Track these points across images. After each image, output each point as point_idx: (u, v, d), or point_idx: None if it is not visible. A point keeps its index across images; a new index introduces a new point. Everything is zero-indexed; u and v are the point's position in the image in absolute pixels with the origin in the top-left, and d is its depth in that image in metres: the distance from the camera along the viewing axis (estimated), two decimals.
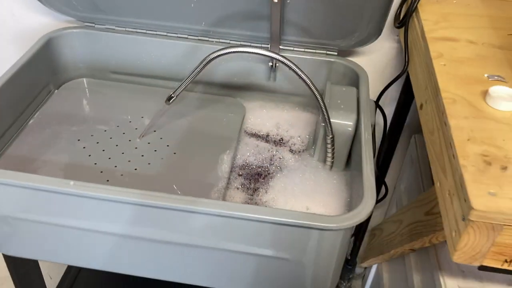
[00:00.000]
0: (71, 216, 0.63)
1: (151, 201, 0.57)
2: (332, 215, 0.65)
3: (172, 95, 0.73)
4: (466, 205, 0.43)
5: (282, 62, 0.66)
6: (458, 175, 0.46)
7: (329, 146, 0.73)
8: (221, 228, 0.60)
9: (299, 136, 0.86)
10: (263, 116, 0.89)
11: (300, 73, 0.66)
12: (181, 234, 0.62)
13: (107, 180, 0.72)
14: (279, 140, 0.85)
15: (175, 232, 0.62)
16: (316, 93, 0.68)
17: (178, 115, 0.85)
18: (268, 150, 0.83)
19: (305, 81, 0.67)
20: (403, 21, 0.78)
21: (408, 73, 0.77)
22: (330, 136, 0.72)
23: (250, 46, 0.69)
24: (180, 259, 0.66)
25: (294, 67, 0.66)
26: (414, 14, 0.75)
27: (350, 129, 0.73)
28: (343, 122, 0.73)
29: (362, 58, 0.89)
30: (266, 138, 0.86)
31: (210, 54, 0.68)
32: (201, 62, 0.69)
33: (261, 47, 0.69)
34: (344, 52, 0.87)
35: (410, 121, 0.92)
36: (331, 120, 0.71)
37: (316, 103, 0.88)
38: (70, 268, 1.08)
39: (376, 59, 0.90)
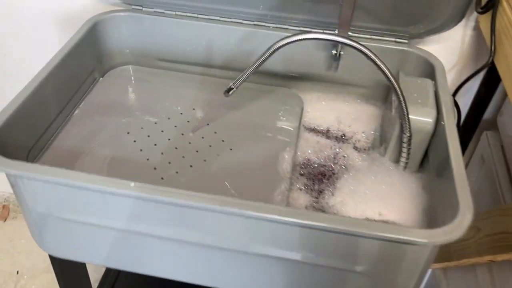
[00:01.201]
0: (127, 219, 0.57)
1: (226, 208, 0.51)
2: (421, 228, 0.58)
3: (232, 86, 0.67)
4: None
5: (362, 52, 0.58)
6: None
7: (405, 145, 0.66)
8: (294, 238, 0.54)
9: (363, 132, 0.79)
10: (322, 109, 0.82)
11: (381, 65, 0.58)
12: (249, 242, 0.56)
13: (162, 178, 0.66)
14: (341, 136, 0.78)
15: (243, 241, 0.56)
16: (397, 87, 0.60)
17: (230, 107, 0.78)
18: (331, 147, 0.76)
19: (386, 74, 0.59)
20: (488, 6, 0.69)
21: (492, 64, 0.69)
22: (408, 135, 0.65)
23: (324, 32, 0.61)
24: (243, 268, 0.60)
25: (374, 57, 0.58)
26: None
27: (429, 126, 0.65)
28: (422, 118, 0.65)
29: (431, 47, 0.81)
30: (326, 133, 0.79)
31: (279, 41, 0.61)
32: (267, 50, 0.62)
33: (335, 34, 0.61)
34: (412, 40, 0.79)
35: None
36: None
37: (381, 94, 0.82)
38: (109, 271, 1.03)
39: (447, 48, 0.82)
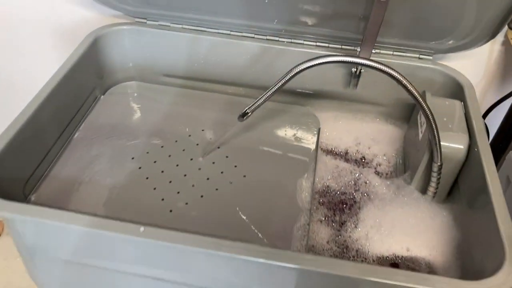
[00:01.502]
0: (133, 263, 0.52)
1: (242, 256, 0.46)
2: (460, 277, 0.52)
3: (248, 111, 0.61)
4: None
5: (393, 77, 0.53)
6: None
7: (434, 174, 0.61)
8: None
9: (385, 155, 0.73)
10: (340, 129, 0.77)
11: (413, 90, 0.53)
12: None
13: (170, 211, 0.61)
14: (361, 159, 0.73)
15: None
16: (429, 113, 0.55)
17: (242, 127, 0.73)
18: (350, 172, 0.71)
19: (418, 100, 0.54)
20: None
21: None
22: (439, 164, 0.59)
23: (347, 55, 0.56)
24: None
25: (406, 82, 0.53)
26: None
27: (462, 154, 0.60)
28: (454, 145, 0.60)
29: (453, 63, 0.76)
30: (345, 156, 0.73)
31: (299, 64, 0.56)
32: (287, 74, 0.57)
33: (360, 57, 0.56)
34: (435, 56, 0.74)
35: None
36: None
37: (402, 113, 0.77)
38: None
39: (472, 64, 0.76)
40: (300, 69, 0.55)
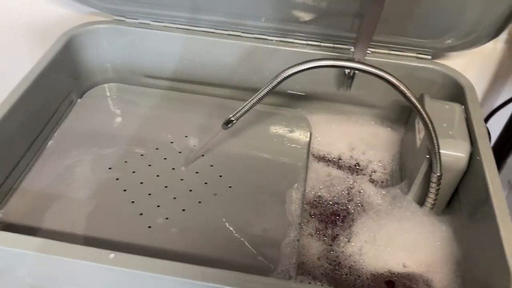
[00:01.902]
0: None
1: (219, 285, 0.41)
2: None
3: (232, 118, 0.57)
4: None
5: (390, 82, 0.49)
6: None
7: (433, 185, 0.56)
8: None
9: (380, 161, 0.69)
10: (332, 134, 0.73)
11: (411, 98, 0.49)
12: None
13: (149, 227, 0.56)
14: (355, 166, 0.69)
15: None
16: (428, 122, 0.50)
17: (228, 133, 0.68)
18: (344, 180, 0.66)
19: (415, 105, 0.49)
20: None
21: None
22: (438, 174, 0.55)
23: (338, 58, 0.51)
24: None
25: (403, 88, 0.49)
26: None
27: (463, 162, 0.56)
28: (454, 153, 0.56)
29: (452, 62, 0.71)
30: (338, 163, 0.69)
31: (285, 70, 0.51)
32: (274, 79, 0.52)
33: (352, 60, 0.51)
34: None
35: None
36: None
37: (399, 115, 0.73)
38: None
39: (473, 63, 0.72)
40: (287, 74, 0.50)
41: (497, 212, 0.49)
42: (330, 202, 0.63)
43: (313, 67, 0.50)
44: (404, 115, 0.72)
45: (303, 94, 0.74)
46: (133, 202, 0.59)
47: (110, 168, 0.63)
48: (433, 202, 0.58)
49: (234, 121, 0.57)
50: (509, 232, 0.47)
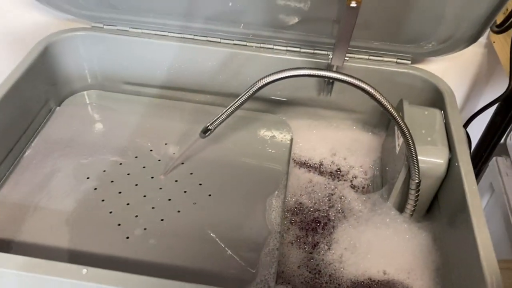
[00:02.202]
0: None
1: None
2: None
3: (210, 127, 0.56)
4: None
5: (363, 90, 0.48)
6: None
7: (412, 192, 0.56)
8: None
9: (361, 167, 0.69)
10: (314, 139, 0.72)
11: (388, 105, 0.48)
12: None
13: (127, 238, 0.55)
14: (336, 172, 0.68)
15: None
16: (405, 129, 0.50)
17: (208, 140, 0.67)
18: (325, 186, 0.66)
19: (392, 114, 0.49)
20: (506, 25, 0.60)
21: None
22: (417, 181, 0.55)
23: (314, 68, 0.51)
24: None
25: (379, 97, 0.48)
26: None
27: (441, 169, 0.56)
28: (432, 160, 0.56)
29: (431, 66, 0.71)
30: (319, 168, 0.69)
31: (260, 80, 0.51)
32: (250, 88, 0.52)
33: (329, 70, 0.51)
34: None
35: None
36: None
37: (380, 120, 0.73)
38: None
39: (452, 67, 0.72)
40: (263, 83, 0.50)
41: (473, 219, 0.49)
42: (311, 209, 0.63)
43: (288, 76, 0.49)
44: (385, 119, 0.72)
45: (284, 99, 0.73)
46: (111, 212, 0.58)
47: (88, 178, 0.62)
48: (413, 209, 0.58)
49: (212, 130, 0.56)
50: (485, 239, 0.47)
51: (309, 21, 0.64)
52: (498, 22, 0.61)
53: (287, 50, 0.68)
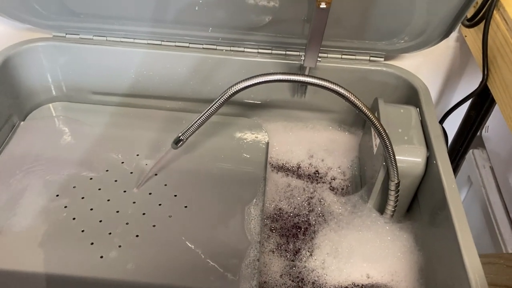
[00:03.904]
0: None
1: None
2: None
3: (182, 137, 0.54)
4: None
5: (337, 92, 0.47)
6: None
7: (392, 192, 0.55)
8: None
9: (339, 167, 0.68)
10: (290, 141, 0.71)
11: (363, 108, 0.47)
12: None
13: (101, 257, 0.53)
14: (314, 174, 0.67)
15: None
16: (382, 130, 0.49)
17: (181, 148, 0.65)
18: (304, 189, 0.65)
19: (369, 117, 0.48)
20: (477, 19, 0.59)
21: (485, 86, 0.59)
22: (396, 182, 0.54)
23: (285, 73, 0.49)
24: None
25: (354, 99, 0.47)
26: (495, 8, 0.56)
27: (420, 167, 0.55)
28: (410, 159, 0.55)
29: (405, 62, 0.70)
30: (297, 171, 0.67)
31: (231, 87, 0.49)
32: (221, 96, 0.50)
33: (300, 74, 0.49)
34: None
35: None
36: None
37: (356, 118, 0.72)
38: None
39: (425, 63, 0.71)
40: (233, 91, 0.48)
41: (454, 217, 0.48)
42: (291, 215, 0.62)
43: (259, 82, 0.48)
44: (360, 117, 0.71)
45: (259, 102, 0.72)
46: (83, 231, 0.56)
47: (57, 195, 0.59)
48: (393, 209, 0.57)
49: (184, 140, 0.54)
50: (467, 237, 0.47)
51: (280, 22, 0.63)
52: (469, 16, 0.60)
53: (258, 52, 0.67)
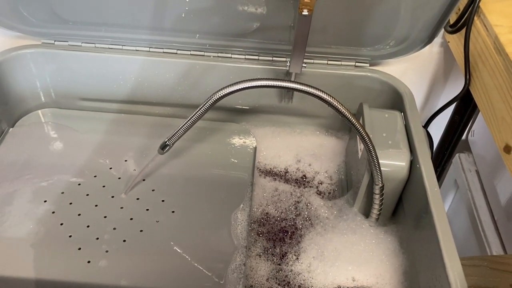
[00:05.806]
0: None
1: None
2: None
3: (168, 142, 0.55)
4: None
5: (320, 98, 0.48)
6: None
7: (377, 196, 0.56)
8: None
9: (326, 172, 0.69)
10: (278, 146, 0.72)
11: (346, 112, 0.48)
12: None
13: (88, 262, 0.53)
14: (302, 178, 0.68)
15: None
16: (365, 136, 0.50)
17: (168, 154, 0.66)
18: (291, 194, 0.66)
19: (351, 122, 0.49)
20: (458, 25, 0.60)
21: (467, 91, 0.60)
22: (380, 186, 0.55)
23: (269, 79, 0.50)
24: None
25: (337, 104, 0.48)
26: (476, 15, 0.57)
27: (403, 172, 0.56)
28: (394, 163, 0.56)
29: (389, 68, 0.71)
30: (285, 176, 0.68)
31: (216, 92, 0.49)
32: (207, 101, 0.50)
33: (285, 80, 0.50)
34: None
35: None
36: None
37: (342, 123, 0.73)
38: None
39: (410, 68, 0.72)
40: (218, 96, 0.49)
41: (436, 219, 0.49)
42: (278, 219, 0.62)
43: (244, 88, 0.48)
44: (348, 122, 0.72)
45: (247, 107, 0.72)
46: (70, 236, 0.56)
47: (45, 201, 0.60)
48: (378, 213, 0.58)
49: (170, 145, 0.55)
50: (448, 239, 0.47)
51: (266, 29, 0.63)
52: (452, 22, 0.61)
53: (245, 59, 0.68)
